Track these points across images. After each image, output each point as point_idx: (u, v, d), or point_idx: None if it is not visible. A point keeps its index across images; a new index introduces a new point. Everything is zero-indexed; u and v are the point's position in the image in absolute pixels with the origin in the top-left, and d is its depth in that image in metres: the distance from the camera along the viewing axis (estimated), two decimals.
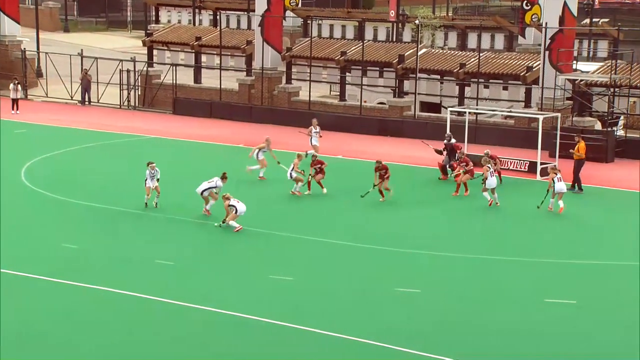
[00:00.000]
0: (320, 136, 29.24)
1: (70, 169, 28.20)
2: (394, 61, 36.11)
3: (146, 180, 23.31)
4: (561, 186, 23.39)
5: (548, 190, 23.71)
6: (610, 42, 42.30)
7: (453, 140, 27.67)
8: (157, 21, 57.89)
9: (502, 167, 28.49)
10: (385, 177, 24.29)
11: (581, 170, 25.85)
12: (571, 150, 26.31)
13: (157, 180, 23.38)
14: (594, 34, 41.77)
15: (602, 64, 34.70)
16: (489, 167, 24.10)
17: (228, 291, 17.73)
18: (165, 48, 43.13)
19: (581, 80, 32.07)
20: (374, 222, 22.82)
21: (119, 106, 40.48)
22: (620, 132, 32.21)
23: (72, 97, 41.10)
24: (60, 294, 17.48)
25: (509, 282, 18.64)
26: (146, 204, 23.42)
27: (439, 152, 27.74)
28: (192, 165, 29.26)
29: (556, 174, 23.53)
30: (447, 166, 27.22)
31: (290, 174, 24.96)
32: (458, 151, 27.04)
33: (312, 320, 16.19)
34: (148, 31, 45.87)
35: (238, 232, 21.18)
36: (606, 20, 45.28)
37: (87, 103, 40.87)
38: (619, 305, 17.41)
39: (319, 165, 25.22)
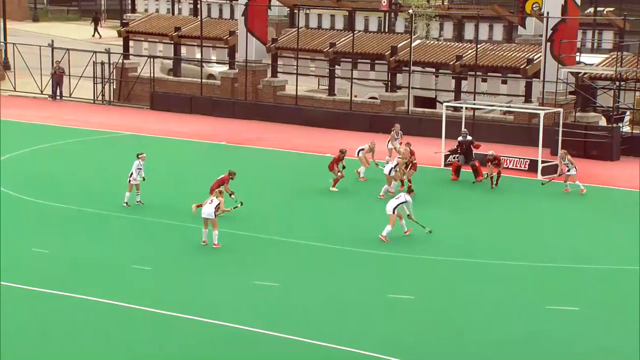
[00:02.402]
0: (400, 143, 27.93)
1: (40, 168, 28.14)
2: (386, 53, 36.21)
3: (131, 174, 23.27)
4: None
5: (562, 174, 25.65)
6: (615, 32, 42.53)
7: (469, 138, 27.63)
8: (134, 10, 57.72)
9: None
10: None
11: None
12: None
13: (143, 179, 23.38)
14: (599, 24, 42.02)
15: (607, 56, 34.88)
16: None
17: (209, 298, 17.76)
18: (143, 39, 43.07)
19: (585, 74, 32.23)
20: (364, 224, 22.87)
21: (92, 101, 40.42)
22: (626, 129, 32.39)
23: (42, 92, 41.00)
24: (30, 303, 17.45)
25: (509, 287, 18.74)
26: (127, 203, 23.37)
27: (454, 152, 27.79)
28: (170, 164, 29.26)
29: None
30: (471, 167, 27.03)
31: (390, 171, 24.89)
32: (475, 149, 27.10)
33: (300, 329, 16.24)
34: (124, 21, 45.78)
35: (214, 237, 20.71)
36: (611, 9, 45.55)
37: (58, 98, 40.79)
38: (625, 312, 17.53)
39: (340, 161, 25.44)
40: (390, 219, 21.13)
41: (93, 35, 58.46)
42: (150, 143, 32.17)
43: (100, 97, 40.54)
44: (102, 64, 40.28)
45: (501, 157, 26.83)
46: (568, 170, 25.72)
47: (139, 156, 23.49)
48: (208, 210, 20.28)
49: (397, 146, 28.17)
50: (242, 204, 21.21)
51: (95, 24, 59.37)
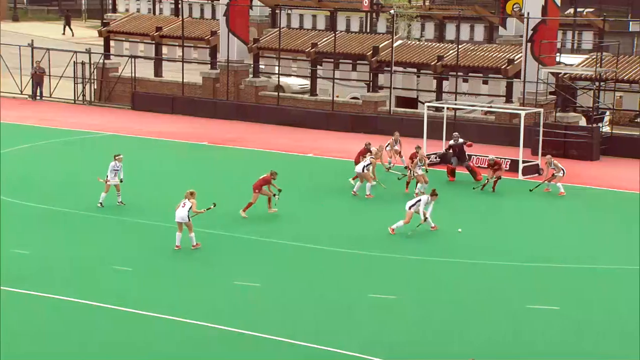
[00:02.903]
0: (398, 150, 28.11)
1: (20, 168, 27.97)
2: (368, 53, 36.26)
3: (108, 175, 23.19)
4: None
5: (549, 180, 25.77)
6: (595, 33, 42.83)
7: (461, 140, 27.60)
8: (115, 10, 57.67)
9: (481, 165, 28.69)
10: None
11: None
12: None
13: (121, 180, 23.32)
14: (579, 24, 42.27)
15: (586, 56, 35.10)
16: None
17: (190, 298, 17.71)
18: (124, 39, 42.93)
19: (565, 74, 32.41)
20: (345, 224, 22.90)
21: (73, 101, 40.23)
22: (606, 129, 32.59)
23: (22, 92, 40.78)
24: (10, 304, 17.33)
25: (490, 287, 18.79)
26: (101, 203, 23.30)
27: (446, 156, 27.93)
28: (152, 165, 29.17)
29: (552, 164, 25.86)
30: (466, 169, 27.17)
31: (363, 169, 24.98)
32: (468, 149, 27.23)
33: (281, 329, 16.23)
34: (105, 20, 45.63)
35: (197, 241, 20.47)
36: (591, 10, 45.87)
37: (38, 98, 40.57)
38: (604, 310, 17.65)
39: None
40: (407, 215, 21.59)
41: (63, 33, 58.24)
42: (132, 143, 32.06)
43: (80, 97, 40.36)
44: (83, 63, 40.10)
45: (501, 161, 26.66)
46: (555, 174, 25.82)
47: (116, 157, 23.41)
48: (181, 214, 20.03)
49: (397, 149, 28.17)
50: (215, 205, 21.02)
51: (67, 22, 59.16)
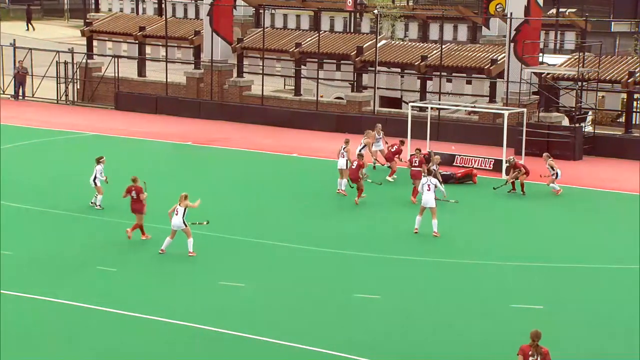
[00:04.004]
0: (386, 143, 27.97)
1: (2, 169, 27.82)
2: (352, 53, 36.31)
3: (95, 177, 23.12)
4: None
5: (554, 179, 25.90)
6: (577, 33, 43.06)
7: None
8: (97, 9, 57.46)
9: (465, 165, 28.78)
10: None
11: None
12: None
13: (106, 180, 23.27)
14: (561, 24, 42.48)
15: (569, 56, 35.29)
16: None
17: (175, 299, 17.71)
18: (107, 38, 42.78)
19: (548, 74, 32.58)
20: (329, 224, 22.94)
21: (56, 101, 40.06)
22: (588, 128, 32.79)
23: (4, 91, 40.56)
24: None
25: (474, 286, 18.88)
26: (100, 205, 23.20)
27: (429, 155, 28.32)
28: (136, 165, 29.08)
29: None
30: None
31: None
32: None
33: (266, 330, 16.26)
34: (87, 20, 45.44)
35: (189, 245, 20.20)
36: (573, 10, 46.07)
37: (21, 97, 40.37)
38: (588, 310, 17.77)
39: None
40: (433, 212, 21.54)
41: (27, 29, 58.02)
42: (115, 143, 31.98)
43: (63, 97, 40.18)
44: (66, 63, 39.93)
45: (520, 164, 26.20)
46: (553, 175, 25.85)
47: (100, 160, 23.34)
48: (176, 221, 19.78)
49: (382, 147, 27.98)
50: (207, 223, 20.90)
51: (28, 17, 58.90)
